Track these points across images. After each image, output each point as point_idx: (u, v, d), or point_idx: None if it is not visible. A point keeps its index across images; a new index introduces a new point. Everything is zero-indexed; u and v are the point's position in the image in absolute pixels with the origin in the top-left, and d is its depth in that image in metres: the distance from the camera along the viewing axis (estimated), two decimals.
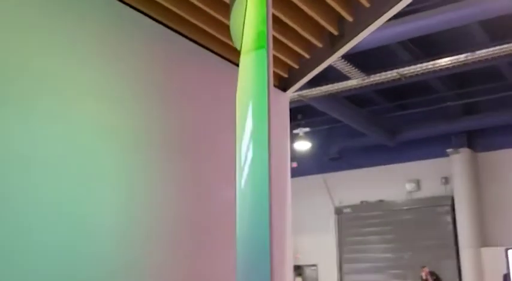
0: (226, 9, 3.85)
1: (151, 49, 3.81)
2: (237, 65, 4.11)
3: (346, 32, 4.03)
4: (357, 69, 10.15)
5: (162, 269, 3.70)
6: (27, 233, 3.05)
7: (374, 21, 3.80)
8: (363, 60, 10.00)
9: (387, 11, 3.65)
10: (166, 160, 3.80)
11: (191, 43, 4.04)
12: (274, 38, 4.00)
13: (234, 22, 3.17)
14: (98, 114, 3.48)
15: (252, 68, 2.12)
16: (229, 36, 4.04)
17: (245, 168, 2.54)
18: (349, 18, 3.90)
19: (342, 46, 4.12)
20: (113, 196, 3.55)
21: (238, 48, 3.29)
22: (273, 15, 3.83)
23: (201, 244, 3.95)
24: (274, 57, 4.24)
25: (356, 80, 10.58)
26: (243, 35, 2.78)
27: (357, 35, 3.99)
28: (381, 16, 3.73)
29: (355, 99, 12.33)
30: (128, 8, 3.63)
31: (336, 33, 4.03)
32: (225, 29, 4.05)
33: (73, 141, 3.35)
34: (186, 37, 3.99)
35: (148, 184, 3.69)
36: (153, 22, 3.78)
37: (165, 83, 3.84)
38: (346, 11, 3.86)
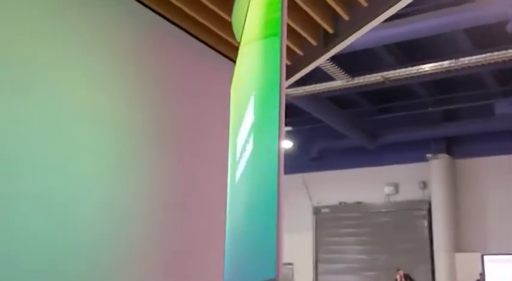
0: (222, 1, 3.83)
1: (145, 41, 3.75)
2: (232, 60, 4.09)
3: (341, 30, 4.02)
4: (342, 71, 10.17)
5: (148, 259, 3.64)
6: (8, 223, 2.97)
7: (370, 22, 3.79)
8: (348, 61, 10.02)
9: (385, 11, 3.64)
10: (156, 150, 3.75)
11: (187, 35, 3.99)
12: None
13: (236, 14, 3.13)
14: (89, 103, 3.41)
15: (259, 57, 2.07)
16: (223, 29, 4.02)
17: (241, 161, 2.51)
18: (345, 17, 3.89)
19: (336, 45, 4.11)
20: (98, 187, 3.48)
21: (238, 40, 3.26)
22: None
23: (189, 234, 3.91)
24: None
25: (341, 81, 10.60)
26: (244, 25, 2.74)
27: (351, 35, 3.98)
28: (377, 16, 3.72)
29: (339, 100, 12.36)
30: None
31: (331, 31, 4.02)
32: (221, 21, 4.01)
33: (63, 132, 3.28)
34: (181, 28, 3.94)
35: (136, 174, 3.63)
36: (151, 13, 3.73)
37: (157, 74, 3.78)
38: (342, 10, 3.85)
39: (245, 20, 2.70)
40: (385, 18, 3.75)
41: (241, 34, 2.86)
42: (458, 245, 12.57)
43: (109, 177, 3.49)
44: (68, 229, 3.25)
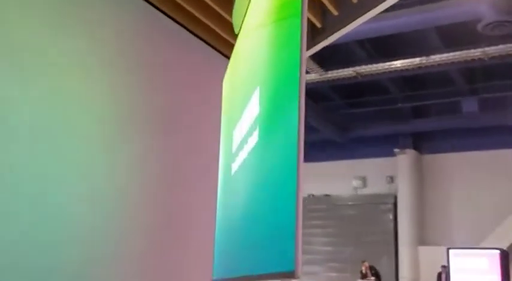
0: None
1: (138, 29, 3.70)
2: (225, 55, 4.05)
3: (329, 25, 4.04)
4: (315, 64, 10.22)
5: (140, 248, 3.60)
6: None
7: (359, 17, 3.82)
8: (322, 55, 10.07)
9: (374, 7, 3.68)
10: (149, 136, 3.70)
11: (180, 27, 3.95)
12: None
13: (238, 4, 3.09)
14: (85, 88, 3.34)
15: (268, 43, 2.01)
16: (218, 24, 3.97)
17: (240, 154, 2.50)
18: (334, 12, 3.91)
19: (323, 39, 4.13)
20: (89, 174, 3.41)
21: (237, 32, 3.23)
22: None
23: (180, 222, 3.87)
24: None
25: (314, 75, 10.66)
26: (246, 12, 2.68)
27: (339, 30, 4.01)
28: (366, 12, 3.75)
29: (311, 93, 12.42)
30: None
31: (319, 25, 4.04)
32: (216, 16, 3.97)
33: (55, 121, 3.20)
34: (177, 22, 3.90)
35: (127, 161, 3.57)
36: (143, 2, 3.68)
37: (151, 63, 3.73)
38: (332, 5, 3.87)
39: (248, 5, 2.64)
40: (374, 14, 3.78)
41: (242, 22, 2.82)
42: (422, 238, 12.86)
43: (100, 166, 3.43)
44: (59, 214, 3.17)
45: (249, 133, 2.27)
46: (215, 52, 4.19)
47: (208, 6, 3.78)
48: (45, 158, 3.10)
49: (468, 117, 11.53)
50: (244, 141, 2.39)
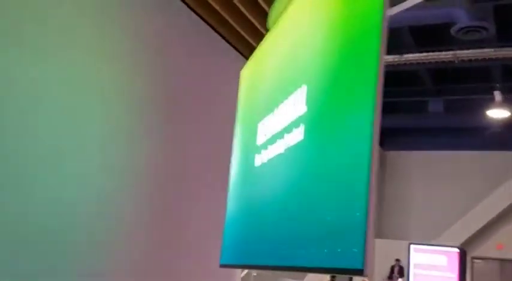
0: None
1: (157, 20, 3.63)
2: (239, 51, 4.02)
3: None
4: None
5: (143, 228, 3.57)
6: None
7: None
8: None
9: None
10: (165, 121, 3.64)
11: (196, 17, 3.89)
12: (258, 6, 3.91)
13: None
14: (92, 73, 3.28)
15: (340, 40, 1.96)
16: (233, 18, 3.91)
17: (270, 148, 2.49)
18: None
19: None
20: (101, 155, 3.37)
21: (270, 27, 3.18)
22: None
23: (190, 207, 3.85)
24: (251, 27, 4.14)
25: None
26: (287, 7, 2.63)
27: None
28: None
29: None
30: None
31: None
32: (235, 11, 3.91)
33: (66, 99, 3.15)
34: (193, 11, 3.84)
35: (136, 141, 3.53)
36: None
37: (168, 53, 3.67)
38: None
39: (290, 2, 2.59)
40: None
41: (279, 18, 2.79)
42: (378, 231, 13.16)
43: (109, 146, 3.39)
44: (67, 191, 3.13)
45: (288, 129, 2.25)
46: (229, 45, 4.15)
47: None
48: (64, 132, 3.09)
49: (433, 117, 11.82)
50: (278, 136, 2.38)
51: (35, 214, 2.97)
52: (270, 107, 2.54)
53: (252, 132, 2.86)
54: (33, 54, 2.94)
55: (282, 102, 2.35)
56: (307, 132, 2.03)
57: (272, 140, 2.42)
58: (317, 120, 1.96)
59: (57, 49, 3.05)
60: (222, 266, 3.17)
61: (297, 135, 2.09)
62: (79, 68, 3.17)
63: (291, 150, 2.16)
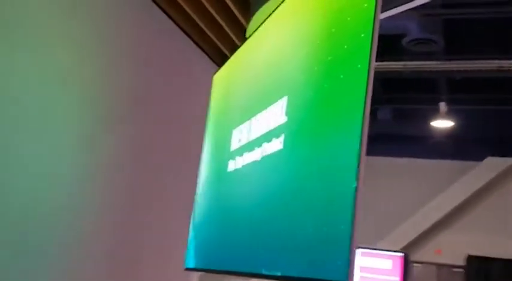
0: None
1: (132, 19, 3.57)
2: (210, 56, 4.04)
3: None
4: None
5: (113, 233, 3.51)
6: None
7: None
8: None
9: None
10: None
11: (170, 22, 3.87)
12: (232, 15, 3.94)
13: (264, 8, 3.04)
14: (73, 71, 3.21)
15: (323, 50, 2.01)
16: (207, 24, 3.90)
17: (246, 155, 2.51)
18: None
19: None
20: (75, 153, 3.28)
21: (248, 35, 3.20)
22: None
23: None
24: (224, 35, 4.18)
25: None
26: (270, 16, 2.65)
27: None
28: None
29: None
30: None
31: None
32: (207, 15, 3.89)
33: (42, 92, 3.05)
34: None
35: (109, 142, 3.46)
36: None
37: (136, 53, 3.62)
38: None
39: (275, 10, 2.60)
40: None
41: (259, 26, 2.80)
42: None
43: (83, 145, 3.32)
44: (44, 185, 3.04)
45: (267, 138, 2.29)
46: (200, 50, 4.16)
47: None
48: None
49: (382, 125, 12.15)
50: (255, 143, 2.41)
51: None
52: (246, 114, 2.56)
53: (226, 138, 2.88)
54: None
55: (261, 111, 2.38)
56: (287, 141, 2.06)
57: (248, 147, 2.44)
58: (299, 130, 2.01)
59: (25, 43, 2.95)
60: (187, 269, 3.18)
61: (276, 144, 2.13)
62: (45, 68, 3.09)
63: (269, 158, 2.20)
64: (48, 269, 3.16)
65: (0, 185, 2.88)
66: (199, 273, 4.14)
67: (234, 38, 4.16)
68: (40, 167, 3.15)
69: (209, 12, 3.77)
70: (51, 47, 3.08)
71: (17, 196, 2.98)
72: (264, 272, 2.00)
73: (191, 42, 4.17)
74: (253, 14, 3.21)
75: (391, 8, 3.83)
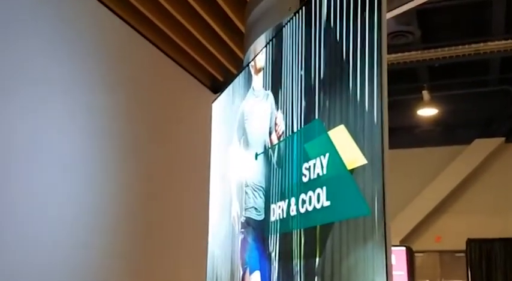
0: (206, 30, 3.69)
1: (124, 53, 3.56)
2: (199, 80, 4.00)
3: None
4: None
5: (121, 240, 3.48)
6: None
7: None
8: None
9: None
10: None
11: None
12: (219, 38, 3.91)
13: None
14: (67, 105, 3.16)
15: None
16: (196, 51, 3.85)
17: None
18: None
19: None
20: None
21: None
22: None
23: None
24: (212, 56, 4.15)
25: None
26: None
27: None
28: None
29: None
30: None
31: None
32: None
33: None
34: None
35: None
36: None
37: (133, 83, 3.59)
38: None
39: None
40: None
41: None
42: None
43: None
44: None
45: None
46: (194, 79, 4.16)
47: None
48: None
49: None
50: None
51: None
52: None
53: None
54: None
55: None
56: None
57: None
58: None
59: None
60: None
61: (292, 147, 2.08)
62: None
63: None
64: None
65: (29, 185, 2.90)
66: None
67: (226, 64, 4.15)
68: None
69: (198, 40, 3.75)
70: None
71: (36, 196, 3.00)
72: None
73: (185, 72, 4.14)
74: (250, 41, 3.19)
75: (393, 9, 3.82)
